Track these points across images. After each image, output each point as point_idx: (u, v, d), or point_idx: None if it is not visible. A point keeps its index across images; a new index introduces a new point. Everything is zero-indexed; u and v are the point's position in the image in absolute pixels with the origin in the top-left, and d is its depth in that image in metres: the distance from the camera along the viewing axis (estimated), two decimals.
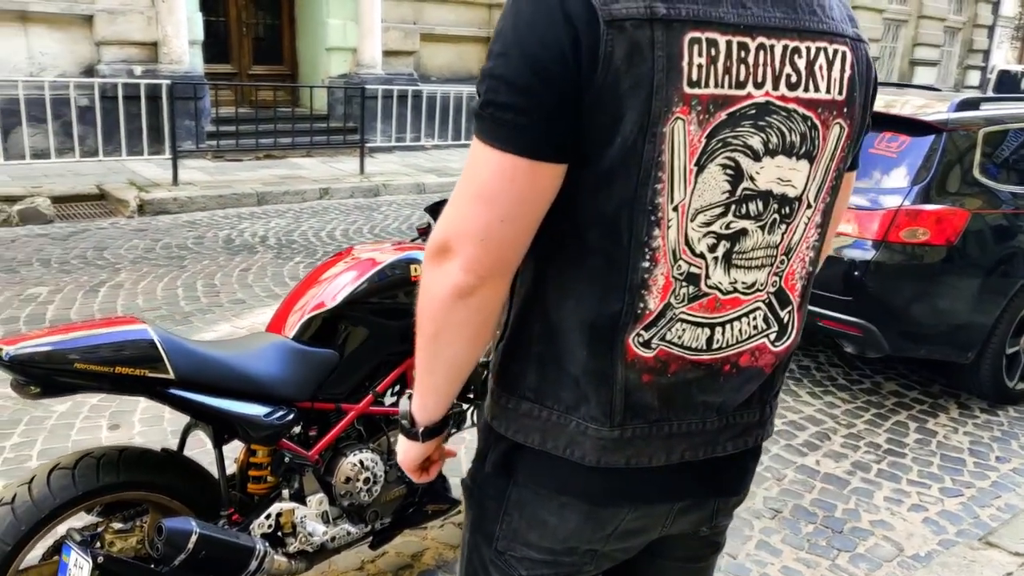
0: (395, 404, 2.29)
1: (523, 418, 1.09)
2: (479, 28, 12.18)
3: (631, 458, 1.06)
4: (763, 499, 3.12)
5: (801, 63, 0.99)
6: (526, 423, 1.09)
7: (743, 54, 0.95)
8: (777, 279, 1.08)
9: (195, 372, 1.87)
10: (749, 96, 0.96)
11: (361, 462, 2.19)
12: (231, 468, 2.19)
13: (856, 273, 3.75)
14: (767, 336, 1.10)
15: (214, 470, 2.03)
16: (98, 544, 1.83)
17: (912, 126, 3.85)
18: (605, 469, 1.06)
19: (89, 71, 8.55)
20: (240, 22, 10.47)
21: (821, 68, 1.01)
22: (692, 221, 0.98)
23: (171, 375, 1.81)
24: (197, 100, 8.58)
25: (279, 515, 2.07)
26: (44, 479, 1.79)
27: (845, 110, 1.04)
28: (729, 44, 0.94)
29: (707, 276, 1.02)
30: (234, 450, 2.16)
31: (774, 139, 0.99)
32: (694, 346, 1.05)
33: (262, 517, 2.04)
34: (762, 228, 1.03)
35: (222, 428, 1.98)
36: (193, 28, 9.21)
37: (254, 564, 1.94)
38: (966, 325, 3.90)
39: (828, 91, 1.02)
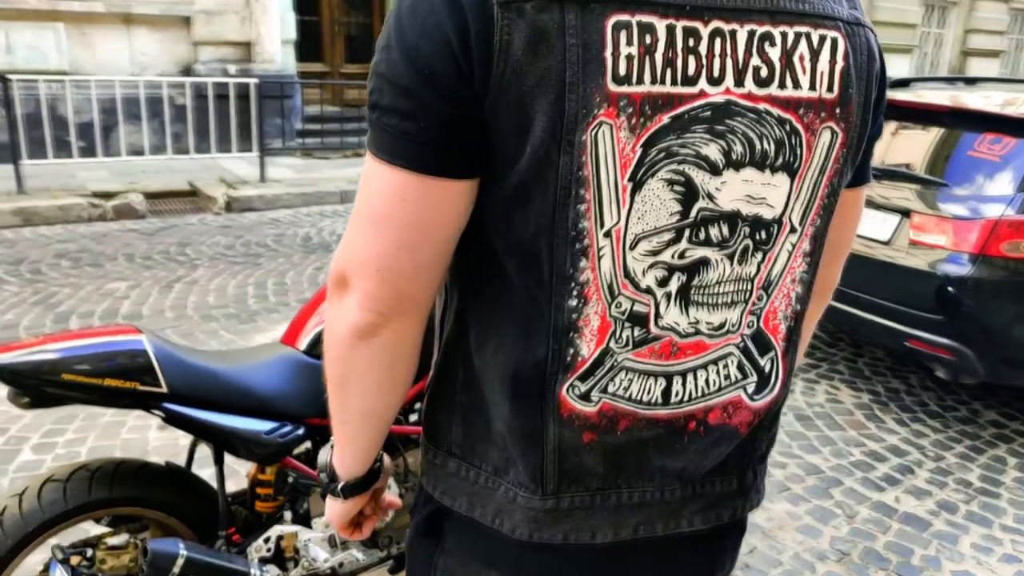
0: (417, 422, 2.17)
1: (450, 478, 0.94)
2: None
3: (569, 533, 0.89)
4: (830, 539, 2.84)
5: (774, 53, 0.79)
6: (453, 484, 0.93)
7: (692, 42, 0.75)
8: (754, 319, 0.89)
9: (192, 385, 1.78)
10: (702, 95, 0.76)
11: None
12: (242, 484, 2.11)
13: (950, 290, 3.39)
14: (743, 388, 0.91)
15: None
16: (87, 561, 1.77)
17: (1019, 126, 3.45)
18: (540, 545, 0.89)
19: (187, 71, 8.84)
20: (332, 21, 10.62)
21: (802, 59, 0.80)
22: (632, 249, 0.80)
23: (163, 388, 1.73)
24: (285, 99, 8.74)
25: (280, 539, 1.97)
26: (35, 492, 1.74)
27: (838, 111, 0.83)
28: (671, 30, 0.74)
29: (658, 316, 0.83)
30: (245, 466, 2.09)
31: (739, 148, 0.79)
32: (646, 399, 0.86)
33: (260, 540, 1.94)
34: (730, 257, 0.84)
35: (222, 444, 1.89)
36: (285, 28, 9.39)
37: None
38: None
39: (813, 87, 0.81)
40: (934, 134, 3.76)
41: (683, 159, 0.78)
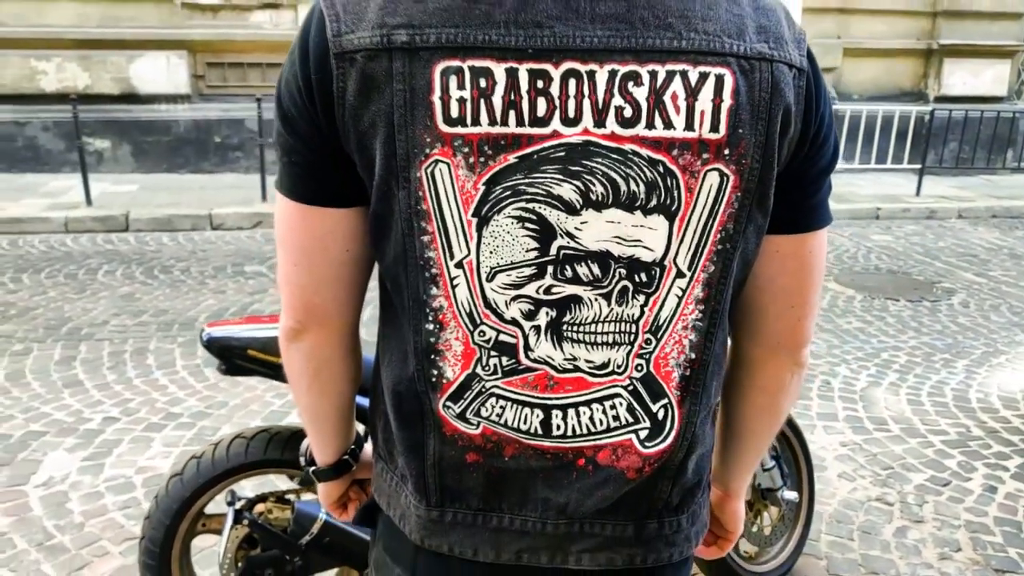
0: None
1: (378, 477, 1.05)
2: (916, 39, 10.92)
3: (454, 546, 0.95)
4: None
5: (640, 92, 0.78)
6: (379, 483, 1.04)
7: (540, 84, 0.77)
8: (643, 363, 0.87)
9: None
10: (555, 135, 0.78)
11: None
12: None
13: None
14: (634, 432, 0.89)
15: None
16: (255, 508, 2.09)
17: None
18: (431, 552, 0.96)
19: None
20: None
21: (675, 98, 0.78)
22: (490, 281, 0.84)
23: None
24: None
25: None
26: (227, 444, 2.10)
27: (727, 152, 0.80)
28: (512, 73, 0.77)
29: (527, 348, 0.86)
30: None
31: (599, 188, 0.79)
32: (524, 428, 0.89)
33: None
34: (605, 297, 0.84)
35: None
36: None
37: None
38: None
39: (690, 127, 0.79)
40: None
41: (532, 198, 0.80)
